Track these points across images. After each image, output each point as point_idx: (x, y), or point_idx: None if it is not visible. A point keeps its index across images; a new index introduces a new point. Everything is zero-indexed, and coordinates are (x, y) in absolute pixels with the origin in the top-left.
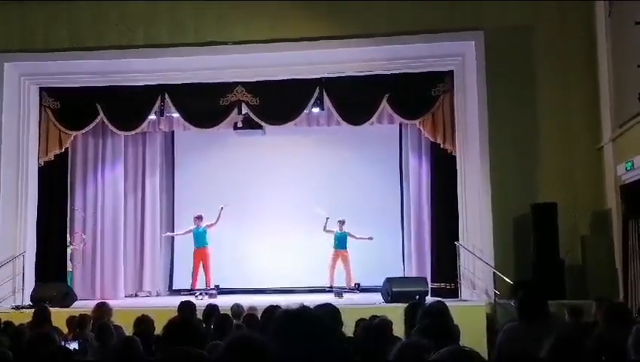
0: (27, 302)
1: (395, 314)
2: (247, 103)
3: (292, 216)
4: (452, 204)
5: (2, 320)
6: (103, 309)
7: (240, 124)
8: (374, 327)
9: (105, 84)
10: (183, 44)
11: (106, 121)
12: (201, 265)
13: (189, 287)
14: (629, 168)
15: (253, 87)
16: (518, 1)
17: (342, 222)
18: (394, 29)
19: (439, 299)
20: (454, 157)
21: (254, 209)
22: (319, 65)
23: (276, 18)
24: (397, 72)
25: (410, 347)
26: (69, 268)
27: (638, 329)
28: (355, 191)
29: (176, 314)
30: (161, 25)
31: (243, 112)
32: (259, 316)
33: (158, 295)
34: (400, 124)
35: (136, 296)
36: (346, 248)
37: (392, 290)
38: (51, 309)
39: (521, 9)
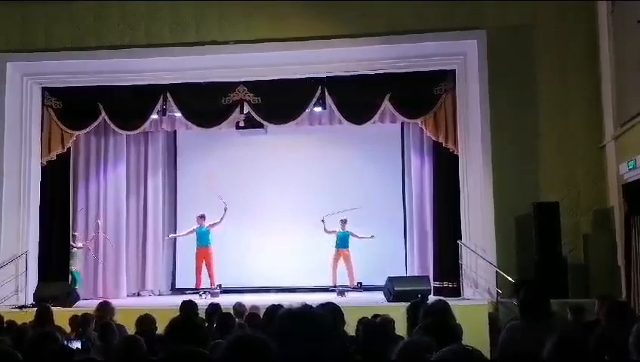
0: (30, 301)
1: (397, 313)
2: (249, 102)
3: (294, 214)
4: (454, 203)
5: (5, 319)
6: (105, 308)
7: (242, 124)
8: (376, 326)
9: (107, 84)
10: (185, 43)
11: (108, 120)
12: (203, 264)
13: (191, 286)
14: (631, 167)
15: (255, 86)
16: (520, 1)
17: (344, 221)
18: (396, 28)
19: (441, 297)
20: (456, 156)
21: (256, 208)
22: (321, 65)
23: (278, 17)
24: (399, 71)
25: (412, 346)
26: (77, 268)
27: (639, 329)
28: (357, 190)
29: (178, 313)
30: (162, 24)
31: (245, 111)
32: (261, 315)
33: (160, 294)
34: (402, 123)
35: (138, 295)
36: (347, 247)
37: (394, 289)
38: (54, 308)
39: (522, 8)
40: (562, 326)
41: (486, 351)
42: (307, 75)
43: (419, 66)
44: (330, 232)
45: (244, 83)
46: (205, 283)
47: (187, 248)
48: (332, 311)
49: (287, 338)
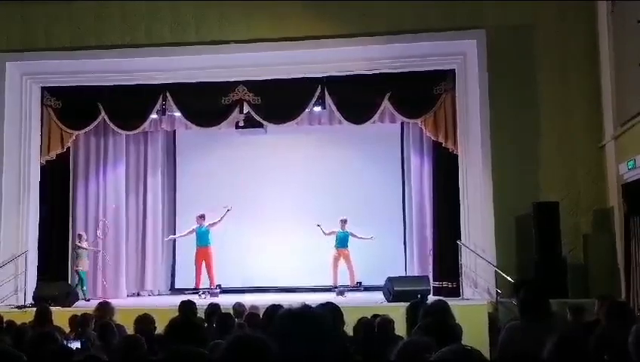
0: (29, 301)
1: (397, 313)
2: (248, 102)
3: (294, 214)
4: (454, 203)
5: (4, 319)
6: (105, 308)
7: (242, 123)
8: (376, 326)
9: (106, 83)
10: (185, 43)
11: (107, 120)
12: (203, 264)
13: (190, 286)
14: (630, 167)
15: (254, 86)
16: (520, 1)
17: (344, 221)
18: (395, 28)
19: (441, 297)
20: (456, 155)
21: (256, 207)
22: (321, 65)
23: (278, 17)
24: (399, 70)
25: (411, 346)
26: (83, 268)
27: (638, 329)
28: (356, 189)
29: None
30: (162, 24)
31: (245, 111)
32: (260, 315)
33: (160, 294)
34: (402, 123)
35: (138, 295)
36: (347, 247)
37: (393, 289)
38: (53, 308)
39: (522, 8)
40: (562, 327)
41: (486, 351)
42: (307, 75)
43: (419, 66)
44: (329, 234)
45: (244, 83)
46: (205, 283)
47: (187, 248)
48: (332, 311)
49: (286, 338)
